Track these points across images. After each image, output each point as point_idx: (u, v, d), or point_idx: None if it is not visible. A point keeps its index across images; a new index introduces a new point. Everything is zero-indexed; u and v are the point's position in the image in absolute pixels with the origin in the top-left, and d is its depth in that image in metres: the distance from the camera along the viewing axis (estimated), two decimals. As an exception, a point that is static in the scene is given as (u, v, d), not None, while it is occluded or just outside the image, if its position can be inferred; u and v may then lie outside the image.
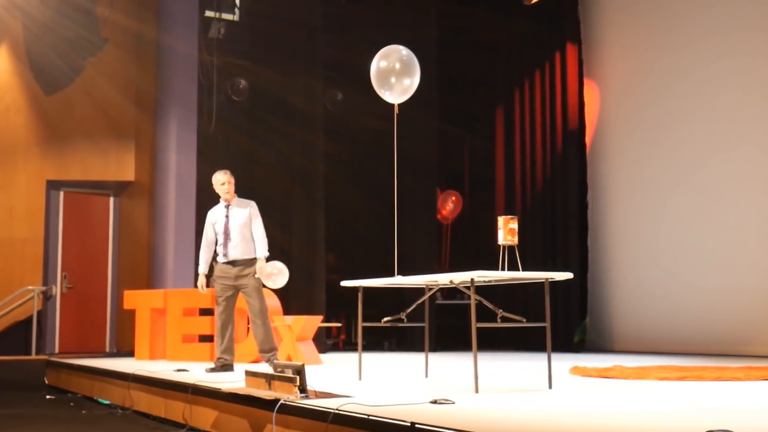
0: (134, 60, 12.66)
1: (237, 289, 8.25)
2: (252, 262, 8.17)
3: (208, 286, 8.40)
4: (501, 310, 5.78)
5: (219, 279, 8.21)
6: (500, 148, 14.25)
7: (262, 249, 8.13)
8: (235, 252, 8.14)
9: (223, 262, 8.20)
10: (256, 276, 8.14)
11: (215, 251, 8.27)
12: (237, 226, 8.16)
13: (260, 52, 13.01)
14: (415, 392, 5.59)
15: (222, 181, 8.27)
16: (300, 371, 5.10)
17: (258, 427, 5.29)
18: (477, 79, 14.93)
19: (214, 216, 8.32)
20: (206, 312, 10.29)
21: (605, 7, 12.70)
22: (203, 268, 8.31)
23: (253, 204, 8.33)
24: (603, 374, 7.07)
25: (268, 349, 8.27)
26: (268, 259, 8.28)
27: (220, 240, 8.19)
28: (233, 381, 6.18)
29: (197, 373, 7.55)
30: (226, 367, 8.02)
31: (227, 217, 8.22)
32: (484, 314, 5.92)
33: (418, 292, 7.13)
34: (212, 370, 7.92)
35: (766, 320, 10.11)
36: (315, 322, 9.83)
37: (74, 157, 12.32)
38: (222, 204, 8.32)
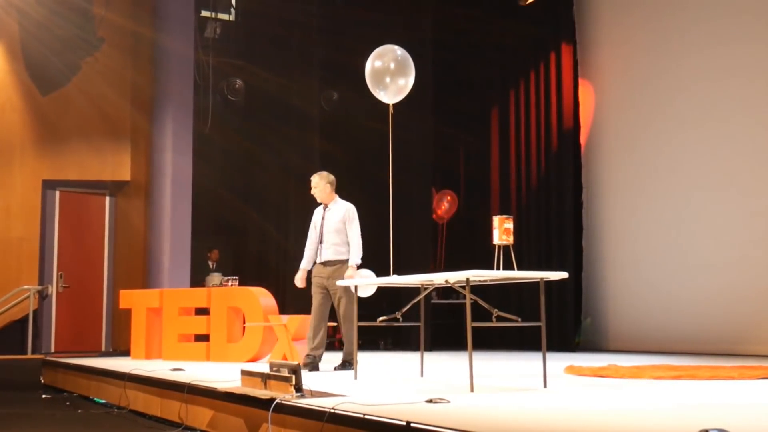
0: (130, 60, 12.66)
1: (328, 290, 8.11)
2: (344, 264, 8.06)
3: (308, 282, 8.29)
4: (496, 310, 5.80)
5: (313, 278, 8.17)
6: (495, 148, 14.27)
7: (354, 256, 8.01)
8: (327, 253, 8.08)
9: (318, 263, 8.15)
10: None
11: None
12: (330, 229, 8.08)
13: (256, 52, 13.02)
14: (411, 391, 5.61)
15: (311, 185, 8.21)
16: (296, 371, 5.12)
17: (254, 427, 5.31)
18: (472, 79, 14.93)
19: (316, 217, 8.24)
20: (202, 311, 10.29)
21: (600, 7, 12.73)
22: (304, 264, 8.23)
23: (349, 208, 8.15)
24: (598, 373, 7.09)
25: (345, 355, 8.09)
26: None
27: (318, 240, 8.14)
28: (229, 380, 6.19)
29: (193, 372, 7.57)
30: (309, 365, 7.93)
31: (323, 219, 8.15)
32: (479, 314, 5.94)
33: (414, 291, 7.15)
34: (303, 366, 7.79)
35: (760, 320, 10.14)
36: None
37: (70, 157, 12.32)
38: (322, 205, 8.24)
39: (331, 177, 8.20)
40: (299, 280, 8.32)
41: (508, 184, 13.87)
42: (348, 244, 8.07)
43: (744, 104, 10.54)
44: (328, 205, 8.18)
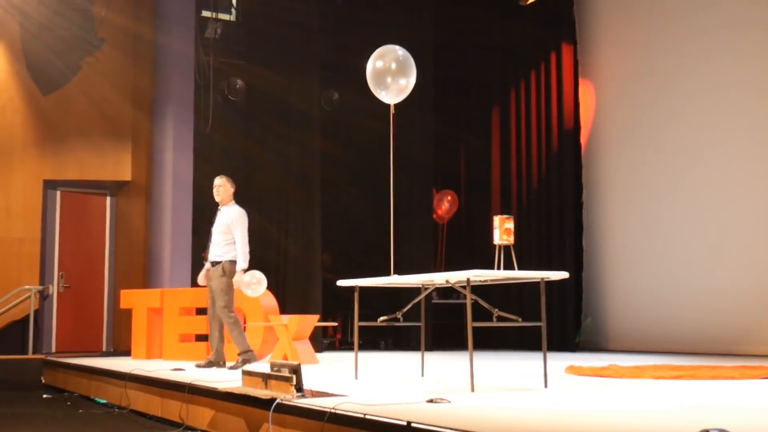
0: (131, 60, 12.66)
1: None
2: (222, 265, 8.39)
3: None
4: (497, 310, 5.80)
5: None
6: (496, 147, 14.27)
7: (239, 260, 8.34)
8: (213, 254, 8.54)
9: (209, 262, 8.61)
10: (227, 279, 8.34)
11: None
12: (217, 231, 8.51)
13: (257, 52, 13.01)
14: (411, 391, 5.61)
15: (214, 184, 8.67)
16: (296, 370, 5.12)
17: (255, 427, 5.31)
18: (473, 79, 14.93)
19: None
20: (202, 311, 10.29)
21: (600, 7, 12.74)
22: (207, 264, 8.71)
23: (237, 212, 8.51)
24: (598, 373, 7.10)
25: (214, 353, 8.39)
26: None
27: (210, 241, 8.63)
28: (230, 380, 6.20)
29: (194, 372, 7.58)
30: (209, 364, 8.32)
31: (216, 220, 8.62)
32: (480, 314, 5.94)
33: (414, 291, 7.15)
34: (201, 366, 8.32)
35: (761, 319, 10.14)
36: (311, 321, 9.85)
37: (71, 157, 12.32)
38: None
39: (234, 185, 8.70)
40: (201, 278, 8.73)
41: (509, 183, 13.88)
42: (230, 245, 8.40)
43: (745, 104, 10.54)
44: (221, 208, 8.61)
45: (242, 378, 5.80)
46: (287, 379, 5.12)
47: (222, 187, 8.59)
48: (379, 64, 7.29)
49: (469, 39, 14.46)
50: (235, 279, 8.30)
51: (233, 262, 8.39)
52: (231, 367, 8.14)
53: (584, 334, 12.44)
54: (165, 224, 12.22)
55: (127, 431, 6.59)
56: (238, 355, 8.35)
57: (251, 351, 8.44)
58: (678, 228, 11.26)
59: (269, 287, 10.39)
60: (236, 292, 8.70)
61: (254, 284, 8.20)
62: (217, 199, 8.64)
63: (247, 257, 8.35)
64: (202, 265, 12.91)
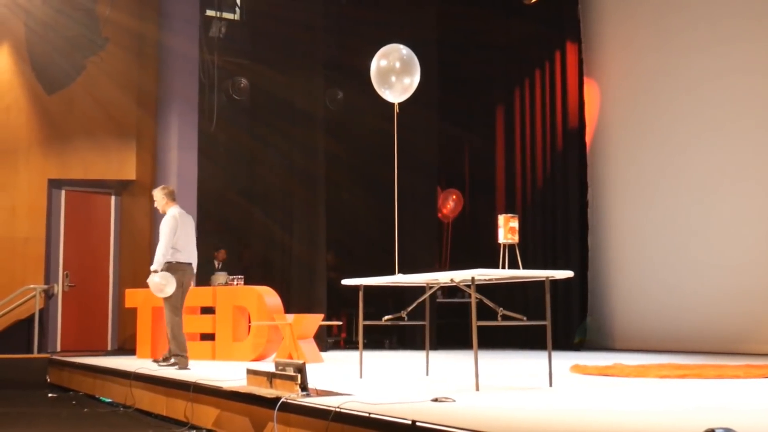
0: (135, 59, 12.67)
1: None
2: (166, 266, 8.33)
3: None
4: (501, 309, 5.80)
5: None
6: (500, 146, 14.26)
7: (154, 262, 8.32)
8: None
9: None
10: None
11: None
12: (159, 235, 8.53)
13: (261, 51, 13.02)
14: (416, 390, 5.61)
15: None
16: (301, 369, 5.13)
17: (259, 425, 5.31)
18: (477, 78, 14.92)
19: None
20: (207, 310, 10.32)
21: (605, 6, 12.72)
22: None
23: (165, 217, 8.54)
24: (603, 372, 7.09)
25: (172, 352, 8.33)
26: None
27: None
28: (235, 379, 6.20)
29: (199, 371, 7.59)
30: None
31: None
32: (484, 313, 5.94)
33: (419, 290, 7.15)
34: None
35: (765, 318, 10.12)
36: (316, 320, 9.87)
37: (76, 156, 12.33)
38: None
39: (169, 189, 8.81)
40: None
41: (514, 182, 13.87)
42: (172, 248, 8.38)
43: (749, 103, 10.51)
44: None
45: (247, 377, 5.81)
46: (292, 378, 5.12)
47: (155, 199, 8.75)
48: (384, 63, 7.30)
49: (473, 38, 14.45)
50: (148, 280, 8.27)
51: (170, 264, 8.29)
52: (155, 361, 8.36)
53: (584, 333, 12.40)
54: (169, 223, 12.20)
55: (132, 430, 6.59)
56: (172, 356, 8.29)
57: (185, 356, 8.23)
58: (683, 227, 11.24)
59: (274, 286, 10.42)
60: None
61: (163, 286, 8.14)
62: (159, 210, 8.75)
63: (160, 260, 8.23)
64: (210, 265, 12.98)
